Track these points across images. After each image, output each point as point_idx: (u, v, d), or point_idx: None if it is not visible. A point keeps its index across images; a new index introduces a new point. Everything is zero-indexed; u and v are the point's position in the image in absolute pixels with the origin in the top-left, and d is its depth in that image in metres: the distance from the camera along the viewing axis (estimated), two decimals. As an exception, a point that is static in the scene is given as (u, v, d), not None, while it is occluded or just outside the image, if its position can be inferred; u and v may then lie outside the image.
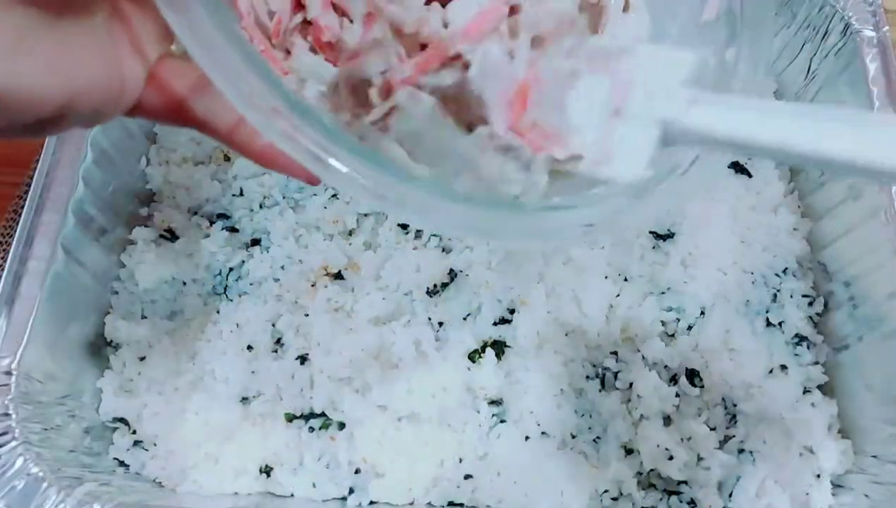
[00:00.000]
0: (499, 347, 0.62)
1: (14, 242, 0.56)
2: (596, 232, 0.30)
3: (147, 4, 0.29)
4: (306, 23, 0.31)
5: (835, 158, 0.27)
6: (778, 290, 0.66)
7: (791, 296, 0.66)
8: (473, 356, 0.61)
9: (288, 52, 0.31)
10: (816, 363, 0.64)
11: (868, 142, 0.27)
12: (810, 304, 0.66)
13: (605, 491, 0.58)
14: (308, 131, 0.26)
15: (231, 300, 0.64)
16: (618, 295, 0.64)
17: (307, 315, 0.62)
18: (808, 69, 0.72)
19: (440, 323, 0.62)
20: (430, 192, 0.28)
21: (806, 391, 0.63)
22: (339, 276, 0.64)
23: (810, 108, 0.28)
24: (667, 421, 0.60)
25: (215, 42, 0.26)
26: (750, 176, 0.71)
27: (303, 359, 0.61)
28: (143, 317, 0.63)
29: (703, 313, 0.64)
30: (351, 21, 0.30)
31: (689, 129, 0.29)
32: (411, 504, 0.58)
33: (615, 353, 0.62)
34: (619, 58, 0.29)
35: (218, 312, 0.63)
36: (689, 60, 0.30)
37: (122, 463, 0.59)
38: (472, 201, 0.29)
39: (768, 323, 0.65)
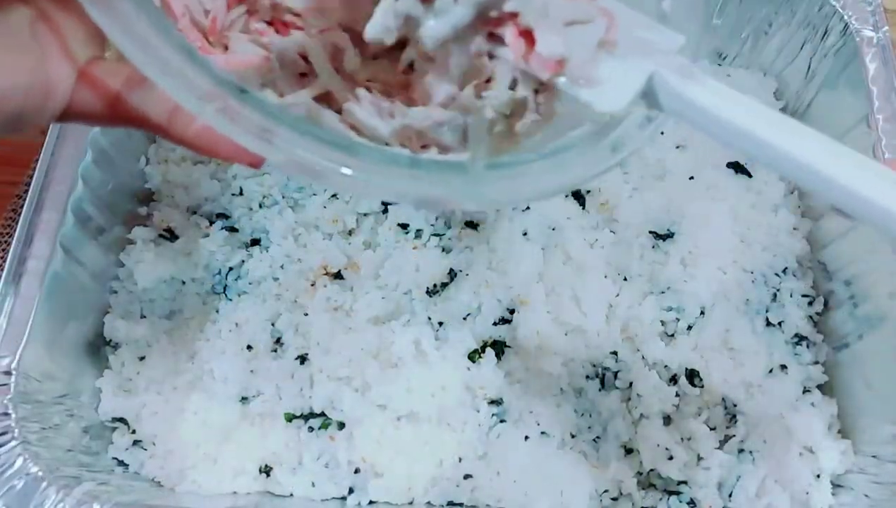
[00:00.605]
0: (499, 347, 0.62)
1: (13, 241, 0.56)
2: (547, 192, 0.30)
3: (74, 7, 0.28)
4: (250, 13, 0.32)
5: (811, 167, 0.28)
6: (778, 290, 0.66)
7: (791, 296, 0.66)
8: (473, 356, 0.61)
9: (226, 48, 0.31)
10: (816, 362, 0.64)
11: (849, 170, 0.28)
12: (810, 304, 0.66)
13: (605, 491, 0.58)
14: (245, 110, 0.26)
15: (230, 299, 0.63)
16: (617, 295, 0.64)
17: (306, 314, 0.62)
18: (808, 69, 0.72)
19: (440, 323, 0.62)
20: (374, 161, 0.28)
21: (806, 390, 0.63)
22: (338, 276, 0.64)
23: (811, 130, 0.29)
24: (667, 420, 0.60)
25: (141, 31, 0.26)
26: (750, 176, 0.71)
27: (302, 359, 0.61)
28: (142, 317, 0.63)
29: (702, 312, 0.64)
30: None
31: (681, 95, 0.29)
32: (411, 503, 0.58)
33: (615, 353, 0.62)
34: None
35: (217, 312, 0.63)
36: (681, 41, 0.31)
37: (120, 463, 0.59)
38: (419, 165, 0.29)
39: (768, 323, 0.65)
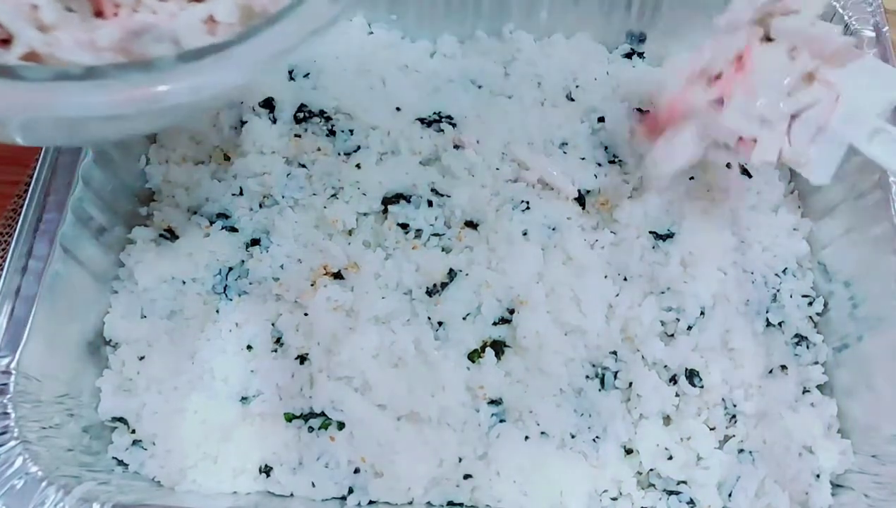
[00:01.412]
0: (499, 347, 0.62)
1: (14, 241, 0.56)
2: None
3: None
4: None
5: None
6: (778, 290, 0.66)
7: (791, 296, 0.66)
8: (473, 356, 0.61)
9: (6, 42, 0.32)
10: (816, 363, 0.64)
11: None
12: (810, 304, 0.66)
13: (605, 491, 0.58)
14: None
15: (230, 299, 0.63)
16: (617, 295, 0.64)
17: (307, 314, 0.62)
18: (808, 69, 0.72)
19: (440, 323, 0.62)
20: (45, 80, 0.28)
21: (806, 391, 0.63)
22: (338, 276, 0.64)
23: None
24: (666, 420, 0.60)
25: None
26: (750, 176, 0.71)
27: (302, 359, 0.61)
28: (143, 317, 0.63)
29: (702, 313, 0.64)
30: None
31: (869, 155, 0.37)
32: (410, 503, 0.58)
33: (615, 353, 0.62)
34: (846, 58, 0.37)
35: (217, 311, 0.63)
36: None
37: (120, 462, 0.59)
38: (97, 73, 0.29)
39: (768, 323, 0.65)
